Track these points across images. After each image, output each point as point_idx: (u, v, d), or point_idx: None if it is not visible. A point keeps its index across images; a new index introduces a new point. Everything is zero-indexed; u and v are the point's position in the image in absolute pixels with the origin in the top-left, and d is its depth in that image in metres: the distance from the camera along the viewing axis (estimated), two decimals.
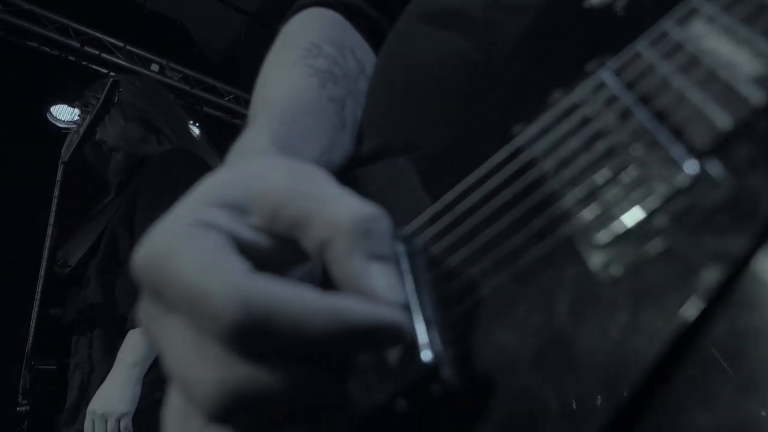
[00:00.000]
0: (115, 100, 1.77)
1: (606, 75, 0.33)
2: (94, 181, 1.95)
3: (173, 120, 1.97)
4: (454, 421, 0.30)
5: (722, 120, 0.26)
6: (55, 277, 1.79)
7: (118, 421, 1.48)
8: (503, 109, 0.40)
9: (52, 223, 1.69)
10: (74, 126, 1.85)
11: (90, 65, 3.65)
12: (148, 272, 0.28)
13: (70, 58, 3.54)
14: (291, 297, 0.26)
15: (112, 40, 3.82)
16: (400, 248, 0.37)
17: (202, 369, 0.26)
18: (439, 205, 0.39)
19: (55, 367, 1.74)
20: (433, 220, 0.39)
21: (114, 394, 1.49)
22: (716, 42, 0.29)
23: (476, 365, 0.31)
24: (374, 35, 0.69)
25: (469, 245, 0.35)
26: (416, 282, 0.36)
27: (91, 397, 1.63)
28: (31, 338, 1.70)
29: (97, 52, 3.74)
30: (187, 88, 4.16)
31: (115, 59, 3.82)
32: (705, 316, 0.24)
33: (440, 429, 0.31)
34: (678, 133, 0.28)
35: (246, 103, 4.32)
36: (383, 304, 0.27)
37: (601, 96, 0.33)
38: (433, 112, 0.50)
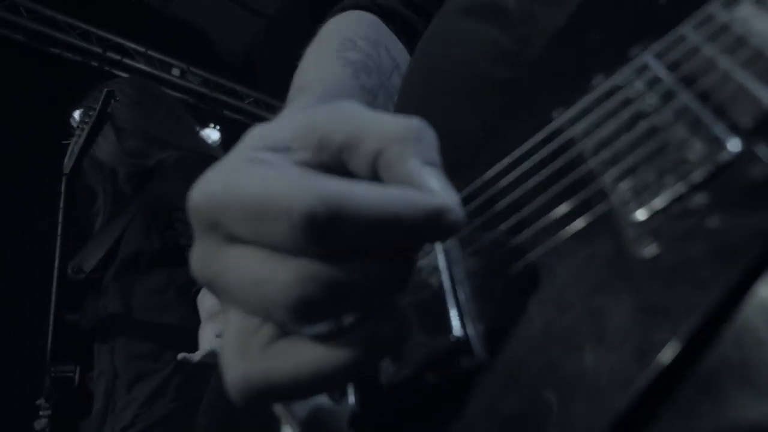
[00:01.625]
0: (110, 111, 1.82)
1: (649, 58, 0.34)
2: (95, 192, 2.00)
3: (174, 123, 2.00)
4: (482, 394, 0.32)
5: (767, 98, 0.27)
6: (71, 283, 1.84)
7: None
8: (543, 96, 0.42)
9: (60, 234, 1.75)
10: (74, 137, 1.90)
11: (112, 70, 3.76)
12: (208, 203, 0.30)
13: (93, 63, 3.66)
14: (359, 187, 0.27)
15: (133, 46, 3.94)
16: None
17: (275, 271, 0.27)
18: (477, 184, 0.41)
19: (74, 373, 1.79)
20: (469, 198, 0.41)
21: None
22: (765, 23, 0.30)
23: (506, 340, 0.32)
24: (409, 36, 0.72)
25: (506, 222, 0.36)
26: (449, 260, 0.38)
27: (117, 404, 1.67)
28: (49, 345, 1.75)
29: (119, 57, 3.86)
30: (207, 91, 4.26)
31: (136, 64, 3.93)
32: (741, 294, 0.25)
33: (468, 402, 0.32)
34: (721, 113, 0.29)
35: (266, 105, 4.40)
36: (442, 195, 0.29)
37: (643, 78, 0.34)
38: (470, 100, 0.52)
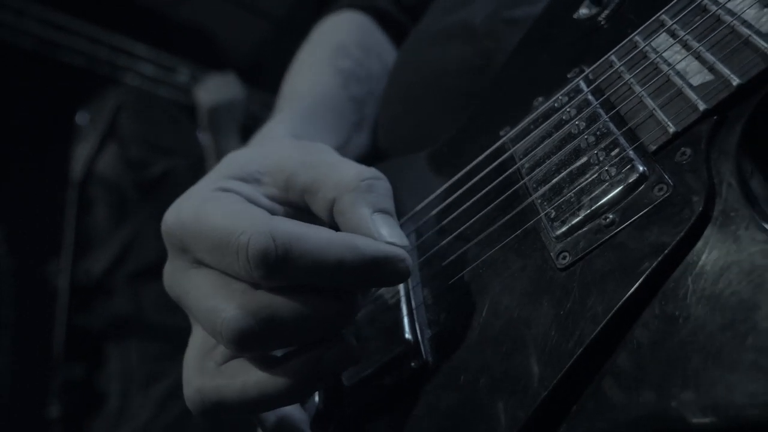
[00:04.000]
0: (120, 123, 1.88)
1: (581, 82, 0.38)
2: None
3: (177, 131, 2.06)
4: (428, 393, 0.35)
5: (670, 125, 0.31)
6: (80, 286, 1.91)
7: None
8: (494, 114, 0.45)
9: (72, 242, 1.81)
10: (80, 144, 1.96)
11: (120, 75, 3.83)
12: (178, 228, 0.34)
13: (101, 68, 3.74)
14: (310, 230, 0.31)
15: (140, 50, 4.01)
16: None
17: (226, 299, 0.31)
18: (434, 195, 0.45)
19: (84, 373, 1.85)
20: (428, 209, 0.45)
21: None
22: (674, 54, 0.33)
23: (450, 344, 0.35)
24: (402, 39, 0.76)
25: (455, 234, 0.40)
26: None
27: (134, 404, 1.74)
28: (57, 346, 1.81)
29: (127, 63, 3.93)
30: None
31: (144, 69, 4.00)
32: (639, 303, 0.28)
33: (416, 400, 0.36)
34: (633, 137, 0.33)
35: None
36: (389, 244, 0.32)
37: (575, 101, 0.37)
38: (439, 113, 0.56)
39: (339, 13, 0.75)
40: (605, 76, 0.36)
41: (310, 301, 0.32)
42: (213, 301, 0.32)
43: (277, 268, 0.30)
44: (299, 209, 0.38)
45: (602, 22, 0.41)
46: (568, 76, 0.40)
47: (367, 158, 0.64)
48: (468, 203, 0.40)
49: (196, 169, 1.96)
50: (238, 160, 0.40)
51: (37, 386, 1.94)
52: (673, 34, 0.34)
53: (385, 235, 0.33)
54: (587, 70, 0.38)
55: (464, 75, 0.55)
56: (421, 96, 0.59)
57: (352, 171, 0.35)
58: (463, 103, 0.54)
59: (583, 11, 0.43)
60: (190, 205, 0.35)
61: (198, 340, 0.36)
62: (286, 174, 0.37)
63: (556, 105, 0.38)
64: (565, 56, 0.42)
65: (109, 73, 3.93)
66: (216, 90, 1.69)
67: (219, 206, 0.34)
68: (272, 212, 0.37)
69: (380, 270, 0.32)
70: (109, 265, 2.02)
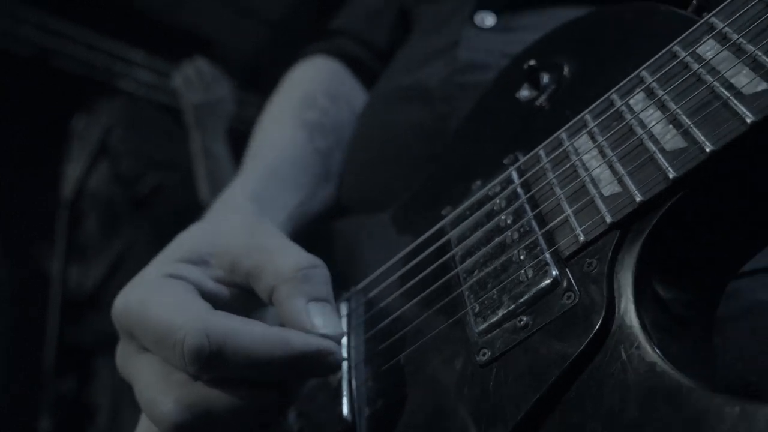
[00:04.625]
0: (112, 138, 1.90)
1: (514, 173, 0.40)
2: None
3: (168, 142, 2.08)
4: None
5: (581, 234, 0.33)
6: (71, 300, 1.93)
7: None
8: (441, 188, 0.47)
9: (63, 259, 1.83)
10: (70, 163, 1.98)
11: (116, 81, 3.85)
12: (125, 317, 0.36)
13: (97, 74, 3.76)
14: (243, 327, 0.34)
15: (137, 56, 4.03)
16: (344, 308, 0.45)
17: (165, 392, 0.34)
18: (385, 267, 0.47)
19: (74, 387, 1.88)
20: (379, 280, 0.47)
21: None
22: (591, 159, 0.35)
23: (386, 424, 0.38)
24: (374, 83, 0.78)
25: (395, 314, 0.42)
26: (350, 344, 0.44)
27: (124, 418, 1.76)
28: (48, 360, 1.84)
29: (123, 69, 3.96)
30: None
31: (140, 75, 4.03)
32: (545, 409, 0.30)
33: None
34: (551, 239, 0.35)
35: None
36: (320, 337, 0.35)
37: (506, 192, 0.39)
38: (399, 173, 0.58)
39: (310, 60, 0.77)
40: (533, 171, 0.38)
41: (247, 393, 0.34)
42: (154, 392, 0.34)
43: (210, 364, 0.33)
44: (246, 290, 0.40)
45: (540, 107, 0.43)
46: (504, 162, 0.42)
47: (333, 209, 0.66)
48: (411, 282, 0.42)
49: (187, 183, 1.97)
50: (188, 241, 0.42)
51: (28, 400, 1.97)
52: (592, 137, 0.36)
53: (319, 325, 0.35)
54: (520, 161, 0.40)
55: (420, 138, 0.57)
56: (381, 156, 0.61)
57: (290, 261, 0.38)
58: (421, 164, 0.56)
59: (524, 93, 0.45)
60: (137, 294, 0.37)
61: (146, 424, 0.38)
62: (231, 258, 0.40)
63: (489, 193, 0.40)
64: (505, 138, 0.44)
65: (106, 80, 3.95)
66: (202, 87, 1.72)
67: (162, 298, 0.36)
68: (219, 295, 0.40)
69: (310, 364, 0.35)
70: (101, 279, 2.04)
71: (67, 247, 1.91)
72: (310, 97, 0.69)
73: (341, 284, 0.48)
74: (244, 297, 0.41)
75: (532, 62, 0.42)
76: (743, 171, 0.30)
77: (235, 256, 0.39)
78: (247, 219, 0.46)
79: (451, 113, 0.54)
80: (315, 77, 0.74)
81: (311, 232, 0.61)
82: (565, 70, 0.43)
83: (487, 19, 0.58)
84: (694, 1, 0.39)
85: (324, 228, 0.60)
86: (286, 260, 0.37)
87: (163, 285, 0.38)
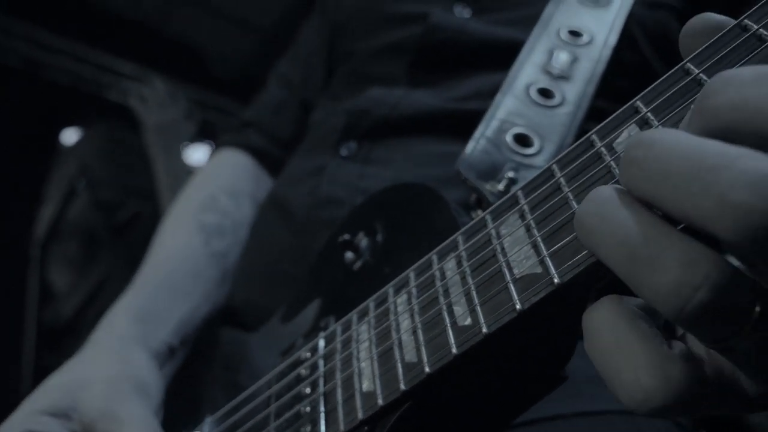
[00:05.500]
0: (81, 187, 1.98)
1: (321, 341, 0.46)
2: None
3: (145, 169, 2.16)
4: None
5: (341, 424, 0.39)
6: (49, 328, 2.01)
7: None
8: (283, 332, 0.54)
9: (36, 296, 1.91)
10: (44, 204, 2.06)
11: (104, 92, 3.93)
12: None
13: (85, 86, 3.84)
14: None
15: (125, 67, 4.10)
16: None
17: None
18: (239, 399, 0.53)
19: None
20: (231, 413, 0.53)
21: None
22: (362, 350, 0.41)
23: None
24: (279, 170, 0.85)
25: None
26: None
27: None
28: (25, 388, 1.92)
29: (112, 79, 4.03)
30: (199, 109, 4.43)
31: (128, 85, 4.10)
32: None
33: None
34: (328, 421, 0.41)
35: None
36: None
37: (312, 359, 0.46)
38: (267, 291, 0.65)
39: (222, 152, 0.84)
40: (331, 345, 0.45)
41: None
42: None
43: None
44: None
45: (356, 273, 0.49)
46: (321, 324, 0.48)
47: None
48: (241, 429, 0.49)
49: (163, 211, 2.05)
50: (53, 392, 0.49)
51: None
52: (369, 325, 0.42)
53: None
54: (328, 330, 0.46)
55: (287, 256, 0.63)
56: (257, 267, 0.68)
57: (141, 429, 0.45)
58: (289, 283, 0.62)
59: (348, 254, 0.51)
60: None
61: None
62: (88, 418, 0.47)
63: (301, 357, 0.47)
64: (329, 298, 0.50)
65: (94, 91, 4.01)
66: (161, 108, 1.82)
67: None
68: None
69: None
70: (80, 306, 2.12)
71: (40, 284, 1.99)
72: (211, 198, 0.76)
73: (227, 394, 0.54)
74: None
75: (346, 236, 0.49)
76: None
77: (91, 419, 0.47)
78: (112, 372, 0.52)
79: (307, 246, 0.61)
80: (221, 174, 0.81)
81: (200, 338, 0.68)
82: (379, 237, 0.49)
83: (349, 148, 0.64)
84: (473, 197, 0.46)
85: (210, 335, 0.67)
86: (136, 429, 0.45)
87: None
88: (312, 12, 0.96)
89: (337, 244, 0.50)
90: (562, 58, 0.57)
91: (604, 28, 0.60)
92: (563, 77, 0.56)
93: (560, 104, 0.54)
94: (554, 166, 0.32)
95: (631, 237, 0.22)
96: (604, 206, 0.24)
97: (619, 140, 0.29)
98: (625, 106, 0.30)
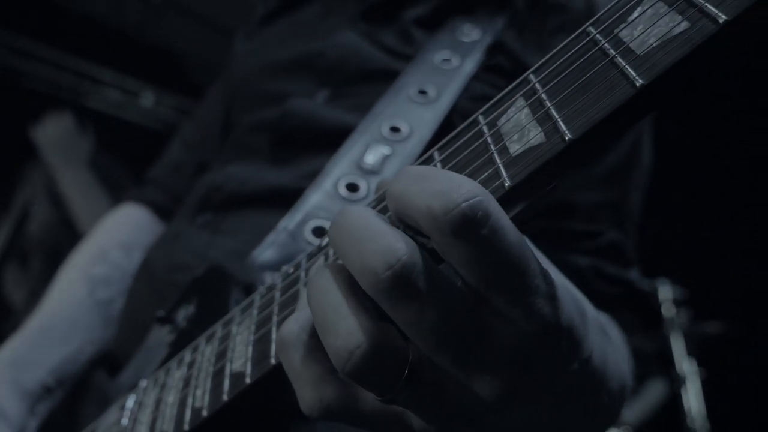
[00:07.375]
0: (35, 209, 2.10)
1: (130, 400, 0.56)
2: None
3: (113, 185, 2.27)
4: None
5: None
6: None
7: None
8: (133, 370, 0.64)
9: None
10: None
11: (84, 100, 4.04)
12: None
13: (64, 93, 3.95)
14: None
15: (105, 75, 4.21)
16: None
17: None
18: None
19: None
20: None
21: None
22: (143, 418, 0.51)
23: None
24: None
25: None
26: None
27: None
28: None
29: (91, 87, 4.14)
30: (181, 117, 4.53)
31: (109, 93, 4.21)
32: None
33: None
34: None
35: None
36: None
37: (123, 419, 0.56)
38: (128, 339, 0.75)
39: (119, 208, 0.95)
40: (139, 407, 0.55)
41: None
42: None
43: None
44: None
45: (168, 343, 0.59)
46: (139, 384, 0.59)
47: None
48: None
49: None
50: None
51: None
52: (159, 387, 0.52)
53: None
54: (140, 387, 0.57)
55: (148, 309, 0.74)
56: (126, 320, 0.78)
57: None
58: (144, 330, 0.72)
59: (166, 326, 0.61)
60: None
61: None
62: None
63: (121, 416, 0.57)
64: (153, 361, 0.61)
65: (73, 99, 4.12)
66: (51, 131, 2.07)
67: None
68: None
69: None
70: None
71: None
72: (101, 251, 0.87)
73: None
74: None
75: (161, 313, 0.59)
76: None
77: None
78: None
79: (158, 306, 0.70)
80: (115, 228, 0.92)
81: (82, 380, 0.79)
82: (191, 310, 0.59)
83: (205, 218, 0.74)
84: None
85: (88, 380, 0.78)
86: None
87: None
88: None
89: (156, 318, 0.60)
90: (377, 152, 0.67)
91: (425, 124, 0.69)
92: (373, 172, 0.65)
93: (364, 198, 0.63)
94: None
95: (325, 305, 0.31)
96: (314, 276, 0.33)
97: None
98: (425, 156, 0.39)
